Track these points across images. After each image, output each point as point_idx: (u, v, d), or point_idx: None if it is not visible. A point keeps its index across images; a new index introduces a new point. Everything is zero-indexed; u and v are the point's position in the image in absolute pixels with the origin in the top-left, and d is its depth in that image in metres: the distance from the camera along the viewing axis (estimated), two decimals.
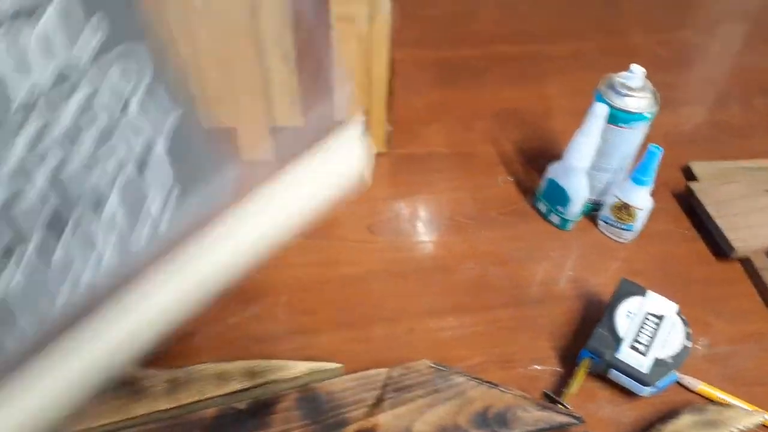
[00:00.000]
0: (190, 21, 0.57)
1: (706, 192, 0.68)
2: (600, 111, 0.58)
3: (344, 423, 0.48)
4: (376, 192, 0.71)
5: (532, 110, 0.80)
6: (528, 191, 0.70)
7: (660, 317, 0.54)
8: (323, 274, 0.62)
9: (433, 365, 0.51)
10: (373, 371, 0.51)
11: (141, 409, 0.48)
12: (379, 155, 0.73)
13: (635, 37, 0.93)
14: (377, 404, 0.49)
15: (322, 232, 0.65)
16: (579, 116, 0.61)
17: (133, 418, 0.48)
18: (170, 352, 0.53)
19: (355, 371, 0.51)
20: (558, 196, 0.65)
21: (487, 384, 0.50)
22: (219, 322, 0.57)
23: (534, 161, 0.74)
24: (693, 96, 0.86)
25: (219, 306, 0.56)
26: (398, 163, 0.73)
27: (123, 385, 0.49)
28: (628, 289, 0.56)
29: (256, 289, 0.60)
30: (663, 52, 0.91)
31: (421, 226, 0.67)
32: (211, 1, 0.56)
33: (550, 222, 0.67)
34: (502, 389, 0.50)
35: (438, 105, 0.81)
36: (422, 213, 0.68)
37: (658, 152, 0.58)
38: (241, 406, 0.49)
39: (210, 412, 0.48)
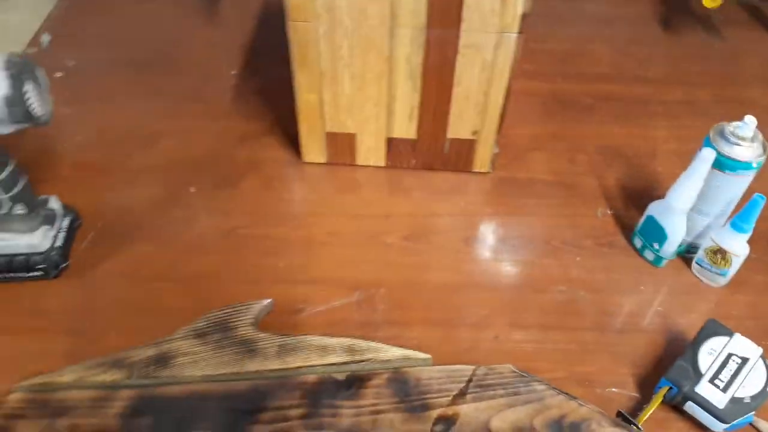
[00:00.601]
0: (335, 36, 0.65)
1: None
2: (707, 155, 0.60)
3: (428, 407, 0.52)
4: (475, 208, 0.75)
5: (638, 150, 0.83)
6: (626, 226, 0.73)
7: (744, 359, 0.55)
8: (420, 276, 0.67)
9: (516, 370, 0.55)
10: (459, 366, 0.55)
11: (254, 365, 0.55)
12: (482, 175, 0.78)
13: (751, 91, 0.93)
14: (460, 396, 0.53)
15: (422, 237, 0.71)
16: (685, 160, 0.63)
17: (246, 373, 0.54)
18: (283, 321, 0.60)
19: (441, 365, 0.56)
20: (655, 233, 0.67)
21: (566, 395, 0.53)
22: (326, 302, 0.63)
23: (635, 198, 0.76)
24: None
25: (327, 289, 0.63)
26: (500, 184, 0.78)
27: (241, 343, 0.56)
28: (715, 328, 0.57)
29: (360, 279, 0.66)
30: None
31: (517, 245, 0.71)
32: (358, 21, 0.63)
33: (644, 258, 0.70)
34: (580, 402, 0.53)
35: (544, 135, 0.84)
36: (518, 233, 0.72)
37: (762, 201, 0.59)
38: (339, 377, 0.54)
39: (312, 378, 0.54)
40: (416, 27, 0.64)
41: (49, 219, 0.63)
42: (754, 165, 0.61)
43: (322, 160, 0.78)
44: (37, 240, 0.61)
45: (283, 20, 0.94)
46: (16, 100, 0.50)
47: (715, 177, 0.62)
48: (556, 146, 0.83)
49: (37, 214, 0.62)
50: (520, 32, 0.64)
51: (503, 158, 0.78)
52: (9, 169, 0.58)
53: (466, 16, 0.63)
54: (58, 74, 0.89)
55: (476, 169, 0.78)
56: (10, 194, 0.58)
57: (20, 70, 0.50)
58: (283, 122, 0.83)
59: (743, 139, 0.60)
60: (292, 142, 0.80)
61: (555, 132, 0.85)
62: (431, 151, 0.77)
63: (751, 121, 0.60)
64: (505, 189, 0.77)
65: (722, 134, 0.62)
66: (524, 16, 0.63)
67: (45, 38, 0.95)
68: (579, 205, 0.75)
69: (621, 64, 0.97)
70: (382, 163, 0.78)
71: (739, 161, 0.60)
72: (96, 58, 0.93)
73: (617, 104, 0.89)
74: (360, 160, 0.78)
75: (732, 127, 0.61)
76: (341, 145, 0.76)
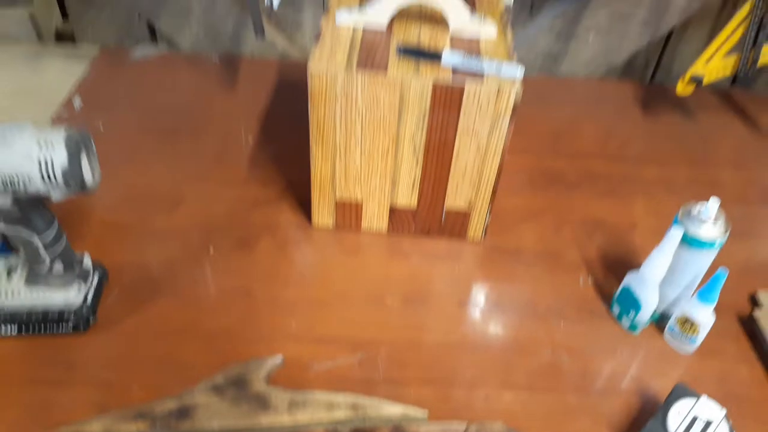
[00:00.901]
0: (350, 116, 0.73)
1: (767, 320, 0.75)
2: (676, 234, 0.68)
3: None
4: (468, 274, 0.82)
5: (618, 224, 0.90)
6: (605, 294, 0.80)
7: (709, 422, 0.61)
8: (417, 336, 0.73)
9: (505, 428, 0.61)
10: (454, 422, 0.61)
11: (267, 419, 0.60)
12: (476, 243, 0.85)
13: (722, 172, 1.02)
14: None
15: (419, 300, 0.78)
16: (659, 235, 0.70)
17: (259, 425, 0.60)
18: (293, 376, 0.66)
19: (436, 421, 0.61)
20: (631, 302, 0.74)
21: None
22: (331, 360, 0.69)
23: (613, 268, 0.83)
24: None
25: (333, 347, 0.69)
26: (492, 251, 0.85)
27: (255, 398, 0.62)
28: (683, 392, 0.64)
29: (363, 338, 0.72)
30: (746, 188, 0.99)
31: (506, 310, 0.77)
32: (371, 105, 0.72)
33: (621, 324, 0.76)
34: None
35: (533, 206, 0.92)
36: (508, 298, 0.79)
37: (724, 275, 0.67)
38: (344, 430, 0.60)
39: (319, 430, 0.60)
40: (421, 112, 0.73)
41: (83, 276, 0.70)
42: (718, 243, 0.68)
43: (330, 225, 0.85)
44: (72, 296, 0.68)
45: (295, 91, 1.04)
46: (74, 172, 0.57)
47: (684, 253, 0.70)
48: (543, 218, 0.90)
49: (73, 271, 0.68)
50: (511, 119, 0.72)
51: (494, 227, 0.86)
52: (54, 230, 0.64)
53: (465, 104, 0.71)
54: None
55: (470, 238, 0.85)
56: (52, 253, 0.65)
57: (78, 145, 0.58)
58: (294, 188, 0.91)
59: (708, 219, 0.68)
60: (303, 207, 0.88)
61: (542, 204, 0.93)
62: (429, 219, 0.84)
63: (714, 203, 0.68)
64: (496, 257, 0.84)
65: (689, 215, 0.69)
66: (515, 106, 0.71)
67: (77, 101, 1.03)
68: (563, 274, 0.82)
69: (604, 143, 1.06)
70: (385, 229, 0.86)
71: (704, 240, 0.68)
72: (123, 122, 1.01)
73: (600, 181, 0.98)
74: (365, 225, 0.85)
75: (698, 208, 0.69)
76: (348, 212, 0.84)
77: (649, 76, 1.28)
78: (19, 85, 1.08)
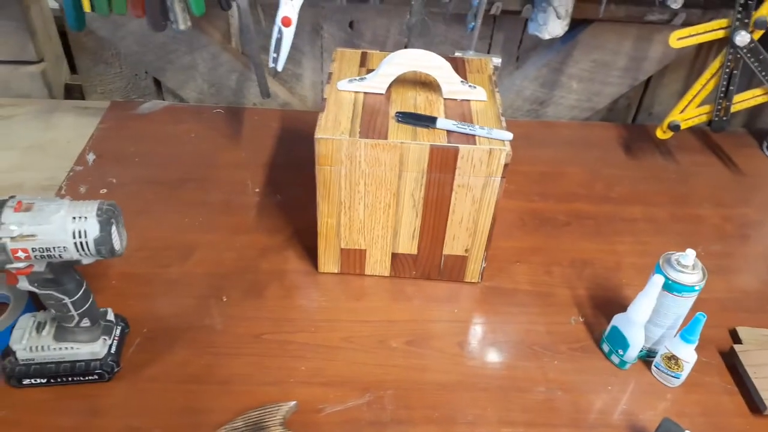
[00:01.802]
0: (354, 175, 0.79)
1: (747, 354, 0.81)
2: (658, 281, 0.74)
3: None
4: (467, 315, 0.88)
5: (605, 263, 0.96)
6: (595, 332, 0.85)
7: None
8: (420, 377, 0.78)
9: None
10: None
11: None
12: (473, 284, 0.91)
13: (702, 209, 1.08)
14: None
15: (422, 342, 0.83)
16: (644, 272, 0.76)
17: None
18: (305, 419, 0.71)
19: None
20: (619, 341, 0.79)
21: None
22: (341, 403, 0.74)
23: (602, 306, 0.89)
24: (749, 267, 0.99)
25: (342, 390, 0.74)
26: (488, 293, 0.90)
27: None
28: (669, 427, 0.69)
29: (370, 381, 0.77)
30: (724, 225, 1.05)
31: (503, 349, 0.82)
32: (373, 166, 0.78)
33: (611, 361, 0.82)
34: None
35: (525, 248, 0.98)
36: (504, 338, 0.84)
37: (703, 319, 0.72)
38: None
39: None
40: (419, 171, 0.79)
41: (107, 330, 0.74)
42: (696, 288, 0.74)
43: (336, 270, 0.91)
44: (98, 348, 0.72)
45: (297, 139, 1.10)
46: (104, 240, 0.63)
47: (666, 297, 0.75)
48: (534, 259, 0.96)
49: (99, 326, 0.73)
50: (502, 177, 0.79)
51: (490, 270, 0.91)
52: (83, 289, 0.69)
53: (460, 164, 0.78)
54: (103, 191, 1.02)
55: (467, 280, 0.91)
56: (80, 310, 0.70)
57: (108, 215, 0.63)
58: (300, 235, 0.96)
59: (686, 267, 0.74)
60: (309, 253, 0.93)
61: (533, 246, 0.99)
62: (429, 264, 0.89)
63: (691, 252, 0.74)
64: (492, 298, 0.90)
65: (669, 262, 0.75)
66: (506, 165, 0.78)
67: (90, 157, 1.08)
68: (555, 313, 0.88)
69: (590, 184, 1.12)
70: (387, 274, 0.91)
71: (684, 285, 0.74)
72: (134, 175, 1.06)
73: (587, 221, 1.04)
74: (368, 270, 0.91)
75: (677, 256, 0.75)
76: (353, 259, 0.89)
77: (632, 118, 1.36)
78: (34, 140, 1.14)
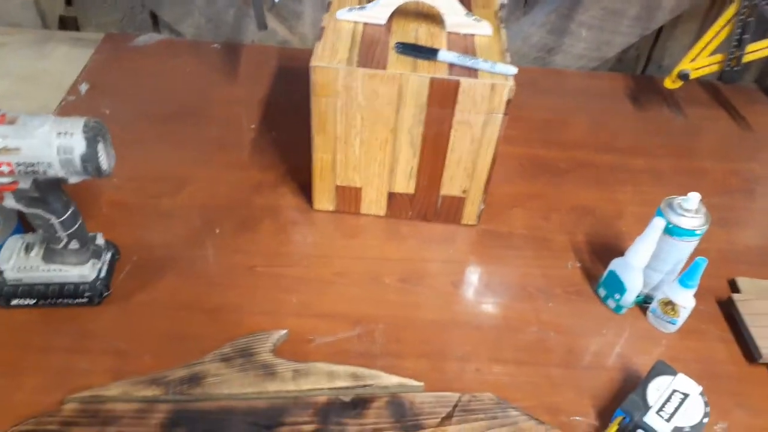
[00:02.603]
0: (351, 109, 0.76)
1: (746, 304, 0.80)
2: (659, 224, 0.72)
3: (420, 427, 0.63)
4: (462, 256, 0.86)
5: (605, 211, 0.94)
6: (592, 277, 0.84)
7: (685, 395, 0.65)
8: (413, 313, 0.77)
9: (495, 398, 0.66)
10: (447, 393, 0.66)
11: (273, 387, 0.65)
12: (470, 227, 0.89)
13: (707, 163, 1.06)
14: (447, 418, 0.63)
15: (415, 280, 0.82)
16: (644, 222, 0.74)
17: (266, 392, 0.64)
18: (295, 349, 0.70)
19: (431, 392, 0.66)
20: (616, 285, 0.78)
21: (536, 421, 0.64)
22: (332, 335, 0.73)
23: (600, 253, 0.87)
24: (753, 221, 0.97)
25: (333, 323, 0.73)
26: (484, 235, 0.89)
27: (261, 367, 0.66)
28: (663, 369, 0.68)
29: (362, 315, 0.76)
30: (730, 179, 1.03)
31: (497, 290, 0.81)
32: (370, 99, 0.75)
33: (606, 306, 0.81)
34: (548, 427, 0.63)
35: (523, 194, 0.96)
36: (498, 279, 0.83)
37: (704, 263, 0.71)
38: (346, 398, 0.64)
39: (322, 399, 0.64)
40: (418, 106, 0.76)
41: (96, 253, 0.73)
42: (698, 233, 0.73)
43: (331, 208, 0.89)
44: (87, 271, 0.71)
45: (295, 78, 1.08)
46: (90, 157, 0.61)
47: (666, 241, 0.74)
48: (533, 204, 0.95)
49: (88, 249, 0.72)
50: (505, 114, 0.76)
51: (487, 213, 0.90)
52: (70, 210, 0.68)
53: (461, 99, 0.75)
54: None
55: (464, 222, 0.89)
56: (69, 232, 0.68)
57: (95, 132, 0.61)
58: (294, 173, 0.94)
59: (688, 210, 0.72)
60: (304, 191, 0.91)
61: (533, 192, 0.97)
62: (426, 204, 0.88)
63: (694, 196, 0.72)
64: (489, 241, 0.88)
65: (671, 206, 0.74)
66: (509, 102, 0.75)
67: (83, 87, 1.06)
68: (551, 258, 0.87)
69: (594, 133, 1.10)
70: (383, 213, 0.89)
71: (684, 229, 0.72)
72: (128, 108, 1.04)
73: (589, 170, 1.02)
74: (363, 209, 0.89)
75: (679, 200, 0.73)
76: (348, 197, 0.88)
77: (641, 70, 1.32)
78: (27, 70, 1.11)
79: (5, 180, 0.62)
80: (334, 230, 0.87)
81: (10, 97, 1.05)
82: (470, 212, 0.88)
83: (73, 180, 0.63)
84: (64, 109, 1.01)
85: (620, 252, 0.82)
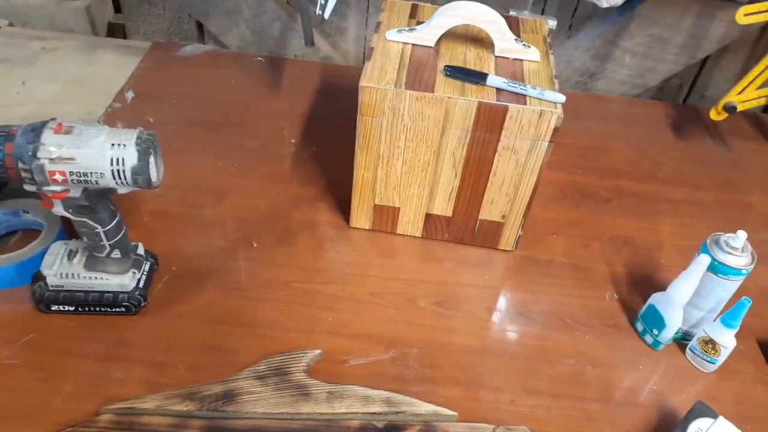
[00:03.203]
0: (396, 129, 0.76)
1: None
2: (704, 261, 0.71)
3: None
4: (498, 282, 0.86)
5: (645, 242, 0.93)
6: (630, 310, 0.83)
7: None
8: (447, 339, 0.77)
9: None
10: (481, 424, 0.65)
11: (306, 408, 0.64)
12: (506, 252, 0.89)
13: (750, 196, 1.04)
14: None
15: (451, 304, 0.81)
16: (685, 255, 0.73)
17: (299, 414, 0.64)
18: (329, 369, 0.70)
19: (465, 422, 0.65)
20: (655, 320, 0.77)
21: None
22: (366, 356, 0.73)
23: (639, 285, 0.86)
24: None
25: (367, 344, 0.73)
26: (521, 262, 0.88)
27: (296, 387, 0.66)
28: (702, 410, 0.66)
29: (396, 338, 0.75)
30: None
31: (534, 319, 0.80)
32: (416, 120, 0.75)
33: (644, 340, 0.79)
34: None
35: (562, 221, 0.95)
36: (535, 308, 0.82)
37: (748, 304, 0.69)
38: (379, 424, 0.64)
39: (355, 423, 0.64)
40: (464, 129, 0.76)
41: (137, 263, 0.74)
42: (744, 272, 0.71)
43: (367, 227, 0.89)
44: (127, 281, 0.72)
45: (336, 94, 1.08)
46: (141, 170, 0.62)
47: (710, 279, 0.72)
48: (572, 232, 0.93)
49: (129, 258, 0.73)
50: (551, 141, 0.76)
51: (525, 239, 0.89)
52: (116, 220, 0.69)
53: (507, 124, 0.75)
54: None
55: (501, 247, 0.89)
56: (112, 241, 0.69)
57: (147, 145, 0.62)
58: (333, 189, 0.95)
59: (735, 249, 0.71)
60: (341, 207, 0.91)
61: (573, 219, 0.96)
62: (463, 228, 0.87)
63: (742, 234, 0.71)
64: (526, 267, 0.87)
65: (717, 243, 0.72)
66: (556, 129, 0.74)
67: (129, 94, 1.08)
68: (590, 288, 0.85)
69: (636, 162, 1.08)
70: (419, 234, 0.89)
71: (731, 267, 0.71)
72: (172, 115, 1.05)
73: (630, 199, 1.00)
74: (400, 229, 0.89)
75: (726, 237, 0.72)
76: (385, 216, 0.87)
77: (683, 99, 1.30)
78: (76, 75, 1.13)
79: (57, 188, 0.63)
80: (370, 249, 0.87)
81: (59, 102, 1.07)
82: (508, 238, 0.87)
83: (122, 191, 0.64)
84: (110, 116, 1.03)
85: (659, 285, 0.81)
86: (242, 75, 1.17)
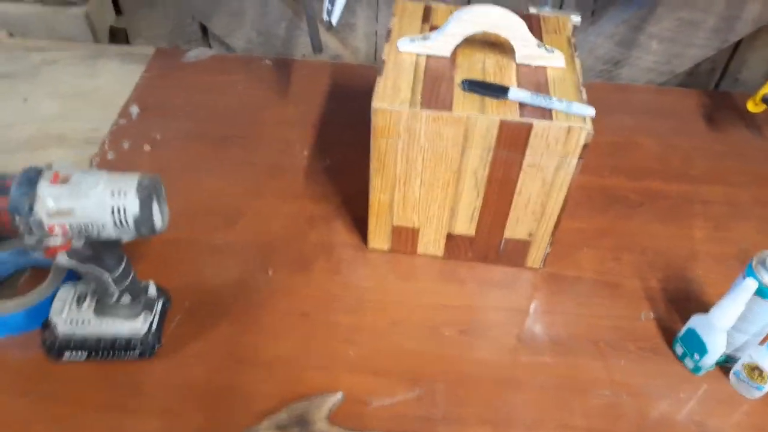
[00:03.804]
0: (412, 150, 0.72)
1: None
2: (750, 285, 0.66)
3: None
4: (526, 304, 0.81)
5: (679, 251, 0.88)
6: (667, 330, 0.78)
7: None
8: (475, 371, 0.73)
9: None
10: None
11: None
12: (534, 270, 0.84)
13: None
14: None
15: (477, 331, 0.77)
16: (723, 264, 0.68)
17: None
18: (351, 411, 0.67)
19: None
20: (696, 345, 0.72)
21: None
22: (390, 396, 0.69)
23: (676, 302, 0.81)
24: None
25: (391, 381, 0.70)
26: (549, 280, 0.84)
27: None
28: None
29: (421, 372, 0.72)
30: None
31: (565, 345, 0.76)
32: (433, 141, 0.71)
33: (684, 364, 0.75)
34: None
35: (592, 230, 0.90)
36: (566, 332, 0.78)
37: None
38: None
39: None
40: (485, 148, 0.71)
41: (149, 305, 0.71)
42: None
43: (386, 248, 0.85)
44: (139, 325, 0.69)
45: (348, 95, 1.03)
46: (144, 219, 0.58)
47: (756, 303, 0.67)
48: (602, 243, 0.88)
49: (140, 301, 0.70)
50: (580, 158, 0.70)
51: (553, 253, 0.84)
52: (123, 265, 0.65)
53: (532, 142, 0.70)
54: (147, 147, 0.97)
55: (528, 265, 0.84)
56: (121, 287, 0.66)
57: (149, 191, 0.58)
58: (349, 204, 0.91)
59: None
60: (358, 226, 0.87)
61: (602, 228, 0.91)
62: (487, 247, 0.83)
63: None
64: (555, 286, 0.83)
65: (764, 264, 0.67)
66: (585, 146, 0.69)
67: (134, 110, 1.04)
68: (623, 307, 0.81)
69: (666, 158, 1.02)
70: (440, 254, 0.85)
71: None
72: (179, 130, 1.01)
73: (662, 202, 0.95)
74: (420, 250, 0.85)
75: None
76: (405, 237, 0.83)
77: (714, 84, 1.23)
78: (78, 89, 1.09)
79: (58, 241, 0.59)
80: (389, 272, 0.84)
81: (62, 119, 1.03)
82: (535, 256, 0.83)
83: (126, 239, 0.61)
84: (115, 134, 0.99)
85: (696, 300, 0.76)
86: (250, 80, 1.12)
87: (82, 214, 0.57)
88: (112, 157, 0.95)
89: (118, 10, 1.26)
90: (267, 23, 1.16)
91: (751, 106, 1.00)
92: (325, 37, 1.17)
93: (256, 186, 0.93)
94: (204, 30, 1.22)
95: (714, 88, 1.23)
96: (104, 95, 1.08)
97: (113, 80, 1.11)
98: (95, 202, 0.57)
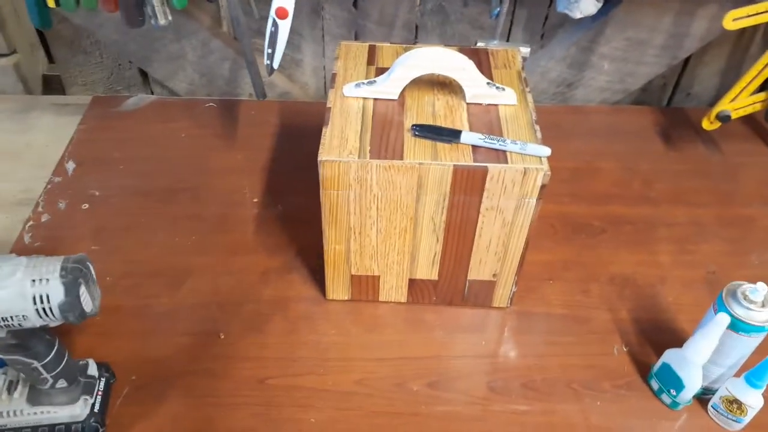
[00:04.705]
0: (365, 200, 0.68)
1: None
2: (723, 320, 0.63)
3: None
4: (495, 348, 0.78)
5: (647, 278, 0.85)
6: (641, 364, 0.75)
7: None
8: (448, 428, 0.69)
9: None
10: None
11: None
12: (501, 309, 0.81)
13: (752, 209, 0.97)
14: None
15: (447, 384, 0.73)
16: (692, 288, 0.66)
17: None
18: None
19: None
20: (672, 380, 0.70)
21: None
22: None
23: (648, 332, 0.79)
24: None
25: None
26: (518, 319, 0.80)
27: None
28: None
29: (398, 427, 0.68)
30: None
31: (538, 390, 0.73)
32: (387, 189, 0.67)
33: (661, 400, 0.72)
34: None
35: (557, 262, 0.87)
36: (539, 376, 0.74)
37: None
38: None
39: None
40: (441, 193, 0.68)
41: (88, 387, 0.65)
42: (767, 327, 0.64)
43: (346, 297, 0.81)
44: (78, 410, 0.63)
45: (297, 134, 0.98)
46: (71, 305, 0.52)
47: (730, 337, 0.65)
48: (568, 275, 0.86)
49: (78, 384, 0.64)
50: (539, 198, 0.67)
51: (519, 291, 0.81)
52: (54, 350, 0.60)
53: (489, 186, 0.67)
54: (85, 206, 0.91)
55: (495, 305, 0.81)
56: (54, 373, 0.60)
57: (75, 276, 0.53)
58: (304, 255, 0.86)
59: (755, 303, 0.64)
60: (315, 276, 0.83)
61: (567, 259, 0.88)
62: (452, 290, 0.79)
63: (762, 287, 0.63)
64: (524, 325, 0.80)
65: (735, 296, 0.65)
66: (543, 187, 0.66)
67: (70, 165, 0.98)
68: (595, 342, 0.78)
69: (626, 181, 1.01)
70: (404, 300, 0.81)
71: (752, 325, 0.63)
72: (119, 186, 0.95)
73: (625, 227, 0.93)
74: (382, 297, 0.81)
75: (744, 289, 0.65)
76: (365, 285, 0.79)
77: (667, 99, 1.23)
78: (9, 145, 1.03)
79: None
80: (351, 324, 0.79)
81: None
82: (502, 295, 0.79)
83: (53, 325, 0.55)
84: (51, 192, 0.93)
85: (668, 331, 0.74)
86: (193, 126, 1.07)
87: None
88: (47, 220, 0.89)
89: (51, 58, 1.20)
90: (209, 64, 1.12)
91: (707, 125, 0.99)
92: (272, 76, 1.13)
93: (203, 241, 0.88)
94: (144, 74, 1.17)
95: (667, 104, 1.23)
96: (37, 151, 1.02)
97: (47, 134, 1.05)
98: (14, 292, 0.51)
